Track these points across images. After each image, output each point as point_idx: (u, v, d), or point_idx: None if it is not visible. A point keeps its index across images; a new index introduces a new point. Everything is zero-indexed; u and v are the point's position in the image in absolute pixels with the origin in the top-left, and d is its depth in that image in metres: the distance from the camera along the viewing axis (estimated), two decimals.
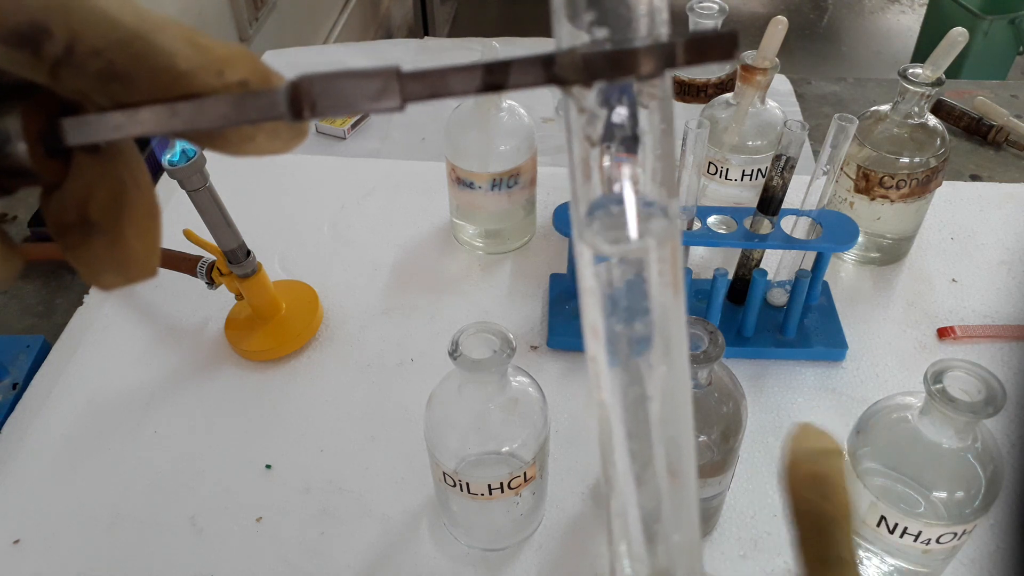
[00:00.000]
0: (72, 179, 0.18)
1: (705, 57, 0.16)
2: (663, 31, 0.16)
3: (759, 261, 0.62)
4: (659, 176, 0.17)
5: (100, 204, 0.18)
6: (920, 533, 0.43)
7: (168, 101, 0.17)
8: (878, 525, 0.44)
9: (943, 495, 0.42)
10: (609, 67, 0.16)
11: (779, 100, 0.83)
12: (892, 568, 0.47)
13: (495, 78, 0.16)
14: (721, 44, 0.16)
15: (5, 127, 0.17)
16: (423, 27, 2.40)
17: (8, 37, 0.16)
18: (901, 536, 0.44)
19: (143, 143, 0.83)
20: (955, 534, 0.43)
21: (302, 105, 0.17)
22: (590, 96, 0.17)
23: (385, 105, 0.17)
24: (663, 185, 0.18)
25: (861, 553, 0.47)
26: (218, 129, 0.18)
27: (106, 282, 0.19)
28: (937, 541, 0.43)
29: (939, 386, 0.40)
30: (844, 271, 0.71)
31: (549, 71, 0.16)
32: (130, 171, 0.19)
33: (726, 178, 0.70)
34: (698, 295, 0.65)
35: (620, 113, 0.17)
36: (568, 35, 0.16)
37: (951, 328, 0.64)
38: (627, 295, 0.19)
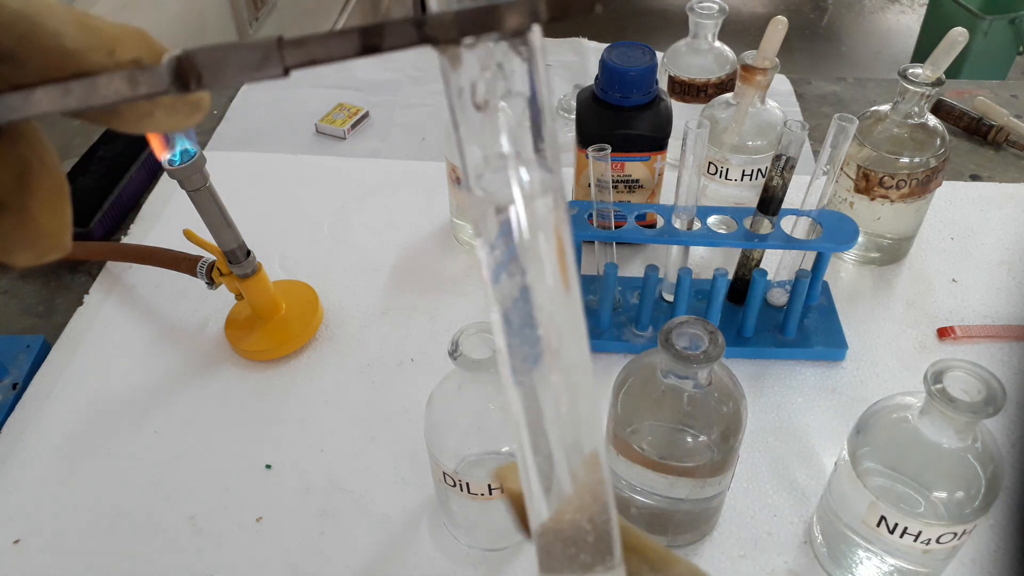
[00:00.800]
0: None
1: (567, 10, 0.17)
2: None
3: (759, 261, 0.62)
4: (533, 130, 0.18)
5: (5, 183, 0.19)
6: (920, 533, 0.43)
7: (61, 80, 0.17)
8: (878, 525, 0.44)
9: (943, 495, 0.42)
10: (476, 24, 0.16)
11: (779, 100, 0.83)
12: (892, 568, 0.47)
13: (371, 40, 0.17)
14: None
15: None
16: None
17: None
18: (901, 536, 0.44)
19: (142, 143, 0.83)
20: (955, 534, 0.43)
21: (188, 77, 0.17)
22: (465, 57, 0.17)
23: (268, 73, 0.17)
24: (537, 138, 0.18)
25: (861, 553, 0.47)
26: (113, 106, 0.18)
27: (19, 259, 0.20)
28: (937, 541, 0.43)
29: (939, 386, 0.40)
30: (844, 271, 0.71)
31: (421, 31, 0.17)
32: (34, 150, 0.19)
33: (726, 178, 0.70)
34: (698, 295, 0.65)
35: (492, 73, 0.18)
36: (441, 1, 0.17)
37: (951, 328, 0.64)
38: (518, 312, 0.20)
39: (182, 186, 0.54)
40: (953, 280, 0.69)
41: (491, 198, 0.19)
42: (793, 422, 0.59)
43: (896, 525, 0.43)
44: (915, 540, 0.43)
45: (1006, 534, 0.51)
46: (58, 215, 0.21)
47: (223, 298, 0.67)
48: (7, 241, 0.19)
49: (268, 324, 0.65)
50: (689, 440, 0.46)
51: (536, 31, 0.18)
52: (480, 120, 0.18)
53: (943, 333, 0.65)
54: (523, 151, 0.19)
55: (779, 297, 0.65)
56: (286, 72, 0.17)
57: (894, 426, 0.44)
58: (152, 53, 0.19)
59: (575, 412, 0.22)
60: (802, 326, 0.63)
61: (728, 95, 0.70)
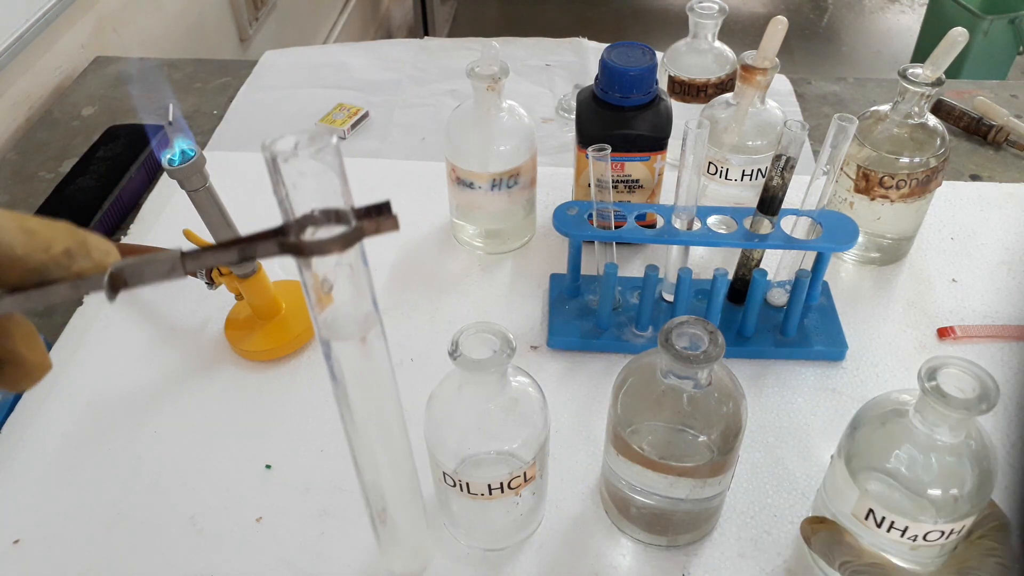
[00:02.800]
0: None
1: (378, 229, 0.26)
2: (352, 224, 0.26)
3: (759, 261, 0.62)
4: (359, 298, 0.30)
5: (4, 351, 0.27)
6: (907, 529, 0.43)
7: (23, 290, 0.26)
8: (866, 518, 0.44)
9: (935, 492, 0.42)
10: (316, 251, 0.26)
11: (779, 100, 0.83)
12: None
13: (247, 253, 0.25)
14: (386, 216, 0.26)
15: None
16: (423, 27, 2.40)
17: None
18: (888, 531, 0.44)
19: (142, 143, 0.83)
20: (943, 532, 0.43)
21: (119, 286, 0.25)
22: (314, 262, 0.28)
23: (174, 276, 0.25)
24: (362, 299, 0.30)
25: None
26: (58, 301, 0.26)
27: (23, 388, 0.28)
28: (924, 538, 0.43)
29: (933, 383, 0.40)
30: (844, 271, 0.71)
31: (282, 250, 0.25)
32: (12, 322, 0.27)
33: (726, 178, 0.70)
34: (698, 295, 0.65)
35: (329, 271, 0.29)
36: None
37: (951, 328, 0.64)
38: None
39: (182, 186, 0.54)
40: (953, 280, 0.69)
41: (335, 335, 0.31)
42: (793, 422, 0.59)
43: (883, 519, 0.44)
44: (902, 535, 0.43)
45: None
46: (37, 350, 0.28)
47: (223, 298, 0.67)
48: (13, 381, 0.28)
49: (268, 324, 0.64)
50: (689, 440, 0.46)
51: (357, 247, 0.27)
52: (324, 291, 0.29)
53: (943, 333, 0.65)
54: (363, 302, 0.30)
55: (779, 297, 0.65)
56: (186, 275, 0.26)
57: (889, 422, 0.44)
58: (77, 242, 0.26)
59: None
60: (802, 326, 0.63)
61: (728, 95, 0.70)
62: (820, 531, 0.47)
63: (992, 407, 0.39)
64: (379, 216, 0.26)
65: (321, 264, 0.28)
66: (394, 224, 0.26)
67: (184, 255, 0.25)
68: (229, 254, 0.25)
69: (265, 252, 0.25)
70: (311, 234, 0.25)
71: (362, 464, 0.37)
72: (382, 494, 0.38)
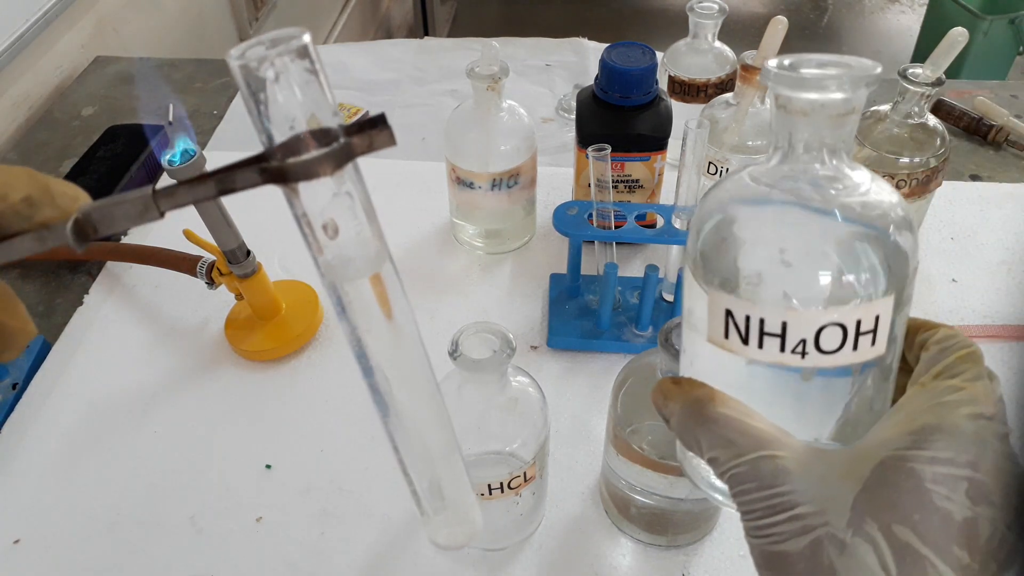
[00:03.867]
0: None
1: (371, 146, 0.23)
2: (340, 140, 0.22)
3: None
4: (367, 225, 0.26)
5: None
6: (786, 328, 0.33)
7: None
8: (727, 336, 0.32)
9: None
10: (302, 175, 0.22)
11: None
12: None
13: (225, 185, 0.22)
14: (380, 129, 0.22)
15: None
16: (423, 27, 2.40)
17: None
18: (761, 342, 0.39)
19: (142, 143, 0.83)
20: (843, 327, 0.38)
21: (87, 233, 0.23)
22: (301, 190, 0.23)
23: (148, 218, 0.23)
24: (371, 227, 0.26)
25: None
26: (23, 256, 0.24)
27: (8, 357, 0.27)
28: (817, 344, 0.39)
29: (789, 70, 0.29)
30: None
31: (264, 177, 0.22)
32: None
33: None
34: None
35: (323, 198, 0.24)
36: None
37: None
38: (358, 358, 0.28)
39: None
40: (953, 280, 0.69)
41: (335, 273, 0.26)
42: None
43: (748, 320, 0.37)
44: (783, 347, 0.39)
45: None
46: (18, 315, 0.26)
47: (223, 298, 0.67)
48: None
49: (268, 324, 0.65)
50: None
51: (349, 166, 0.23)
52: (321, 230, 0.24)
53: None
54: (363, 232, 0.26)
55: None
56: (161, 215, 0.23)
57: (728, 202, 0.36)
58: (39, 187, 0.24)
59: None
60: None
61: (728, 95, 0.70)
62: (677, 396, 0.30)
63: (870, 81, 0.27)
64: (372, 130, 0.22)
65: (314, 196, 0.24)
66: (389, 138, 0.23)
67: (156, 192, 0.22)
68: (206, 187, 0.22)
69: (245, 182, 0.22)
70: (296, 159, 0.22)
71: (394, 418, 0.31)
72: (421, 447, 0.31)
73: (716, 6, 0.75)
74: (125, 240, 0.75)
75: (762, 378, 0.29)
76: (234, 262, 0.60)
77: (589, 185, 0.60)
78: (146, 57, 1.07)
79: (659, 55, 0.67)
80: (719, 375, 0.30)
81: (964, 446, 0.25)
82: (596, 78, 0.65)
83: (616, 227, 0.61)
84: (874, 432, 0.28)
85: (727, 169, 0.69)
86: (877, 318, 0.27)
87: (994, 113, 0.85)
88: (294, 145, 0.22)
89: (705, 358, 0.31)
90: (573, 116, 0.69)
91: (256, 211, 0.69)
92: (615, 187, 0.67)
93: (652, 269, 0.60)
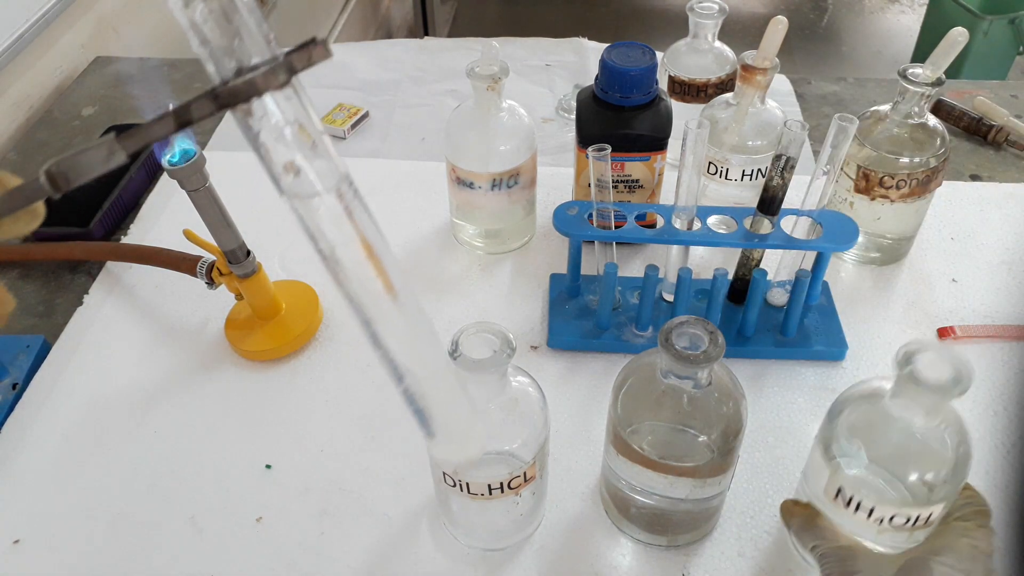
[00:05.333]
0: None
1: (311, 59, 0.24)
2: (279, 54, 0.24)
3: (759, 261, 0.62)
4: (313, 142, 0.26)
5: None
6: (873, 510, 0.44)
7: None
8: (836, 498, 0.45)
9: (908, 476, 0.43)
10: (248, 92, 0.23)
11: (779, 100, 0.83)
12: None
13: (183, 118, 0.23)
14: (312, 47, 0.24)
15: None
16: (423, 27, 2.40)
17: None
18: (856, 511, 0.44)
19: None
20: (908, 518, 0.43)
21: (58, 182, 0.23)
22: (254, 107, 0.24)
23: (117, 161, 0.23)
24: (315, 148, 0.26)
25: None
26: None
27: None
28: (890, 521, 0.44)
29: (909, 367, 0.41)
30: (844, 271, 0.71)
31: (217, 102, 0.23)
32: None
33: (726, 178, 0.70)
34: (698, 295, 0.65)
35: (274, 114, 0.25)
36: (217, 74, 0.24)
37: (951, 328, 0.64)
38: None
39: (182, 186, 0.54)
40: (953, 280, 0.69)
41: (296, 194, 0.26)
42: (793, 422, 0.59)
43: (852, 499, 0.44)
44: (868, 517, 0.44)
45: (1006, 534, 0.51)
46: None
47: (223, 298, 0.67)
48: None
49: (268, 324, 0.64)
50: (689, 440, 0.46)
51: (293, 80, 0.24)
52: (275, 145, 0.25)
53: (943, 333, 0.65)
54: (325, 159, 0.26)
55: (779, 297, 0.65)
56: (131, 157, 0.24)
57: (866, 407, 0.45)
58: None
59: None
60: (802, 326, 0.63)
61: (728, 95, 0.70)
62: (797, 513, 0.48)
63: (965, 391, 0.39)
64: (309, 46, 0.24)
65: (267, 126, 0.25)
66: (324, 52, 0.24)
67: (119, 135, 0.23)
68: (165, 124, 0.23)
69: (200, 111, 0.23)
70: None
71: (378, 332, 0.32)
72: (404, 361, 0.32)
73: (716, 6, 0.75)
74: (125, 240, 0.75)
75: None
76: (234, 262, 0.60)
77: (589, 185, 0.60)
78: (146, 57, 1.07)
79: (659, 55, 0.67)
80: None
81: (963, 561, 0.41)
82: (596, 78, 0.65)
83: (616, 227, 0.61)
84: (915, 547, 0.44)
85: (727, 169, 0.69)
86: (931, 514, 0.43)
87: (994, 113, 0.85)
88: (242, 74, 0.23)
89: (818, 495, 0.47)
90: (573, 116, 0.69)
91: (256, 211, 0.69)
92: (615, 187, 0.67)
93: (652, 269, 0.60)
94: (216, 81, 0.24)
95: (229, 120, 0.91)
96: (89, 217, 0.75)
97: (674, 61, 0.78)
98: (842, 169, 0.66)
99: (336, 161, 0.26)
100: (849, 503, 0.44)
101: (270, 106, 0.24)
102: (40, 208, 0.26)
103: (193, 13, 0.23)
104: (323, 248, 0.29)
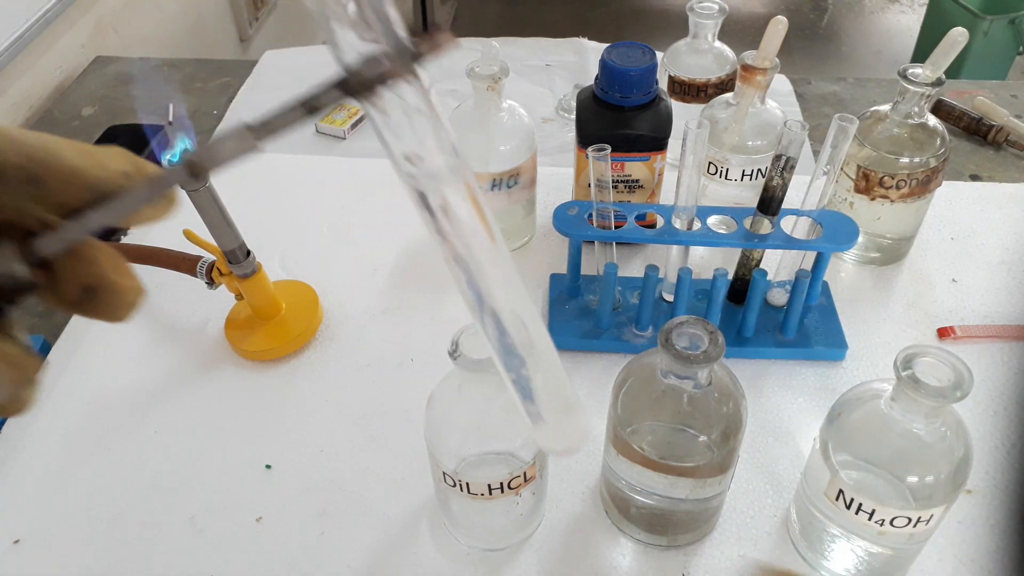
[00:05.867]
0: (66, 269, 0.25)
1: (438, 47, 0.23)
2: (405, 40, 0.23)
3: (759, 261, 0.62)
4: (435, 128, 0.25)
5: (95, 277, 0.25)
6: (875, 512, 0.44)
7: (100, 204, 0.24)
8: (837, 499, 0.45)
9: (908, 479, 0.43)
10: (375, 80, 0.23)
11: (779, 100, 0.83)
12: (861, 554, 0.47)
13: (312, 105, 0.24)
14: (440, 33, 0.23)
15: (6, 259, 0.24)
16: (423, 27, 2.40)
17: None
18: (857, 513, 0.44)
19: (142, 143, 0.83)
20: (910, 519, 0.43)
21: (198, 170, 0.25)
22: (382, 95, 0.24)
23: (248, 150, 0.24)
24: (437, 134, 0.26)
25: (826, 532, 0.48)
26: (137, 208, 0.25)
27: (123, 316, 0.27)
28: (892, 523, 0.44)
29: (909, 371, 0.41)
30: (844, 271, 0.71)
31: (346, 88, 0.23)
32: (92, 247, 0.26)
33: (726, 178, 0.70)
34: (698, 295, 0.65)
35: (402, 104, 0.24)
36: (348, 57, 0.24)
37: (951, 328, 0.64)
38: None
39: (182, 186, 0.54)
40: (953, 280, 0.69)
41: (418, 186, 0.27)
42: (793, 422, 0.59)
43: (852, 500, 0.44)
44: (870, 518, 0.44)
45: (1006, 534, 0.51)
46: (128, 277, 0.27)
47: (223, 298, 0.67)
48: (110, 309, 0.26)
49: (268, 324, 0.64)
50: (689, 440, 0.46)
51: (420, 71, 0.24)
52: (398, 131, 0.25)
53: (943, 333, 0.65)
54: (429, 148, 0.26)
55: (779, 297, 0.65)
56: (260, 147, 0.24)
57: (867, 409, 0.45)
58: (133, 164, 0.26)
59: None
60: (802, 326, 0.63)
61: (728, 95, 0.70)
62: None
63: (965, 395, 0.39)
64: (434, 33, 0.23)
65: (394, 106, 0.25)
66: (450, 38, 0.23)
67: (250, 127, 0.24)
68: (295, 113, 0.24)
69: (329, 98, 0.24)
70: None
71: (494, 310, 0.32)
72: (522, 338, 0.32)
73: (716, 6, 0.75)
74: (125, 240, 0.75)
75: None
76: (234, 262, 0.60)
77: (589, 185, 0.60)
78: (146, 57, 1.07)
79: (659, 55, 0.67)
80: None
81: None
82: (596, 78, 0.65)
83: (616, 227, 0.61)
84: None
85: (727, 169, 0.69)
86: (931, 516, 0.43)
87: (994, 113, 0.85)
88: (369, 60, 0.23)
89: (819, 497, 0.47)
90: (573, 116, 0.69)
91: (256, 211, 0.69)
92: (615, 187, 0.67)
93: (652, 269, 0.60)
94: (341, 67, 0.24)
95: (229, 120, 0.91)
96: None
97: (674, 61, 0.78)
98: (842, 169, 0.66)
99: (452, 138, 0.26)
100: (850, 505, 0.44)
101: (395, 94, 0.24)
102: (175, 195, 0.27)
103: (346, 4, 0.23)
104: (432, 203, 0.29)
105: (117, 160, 0.25)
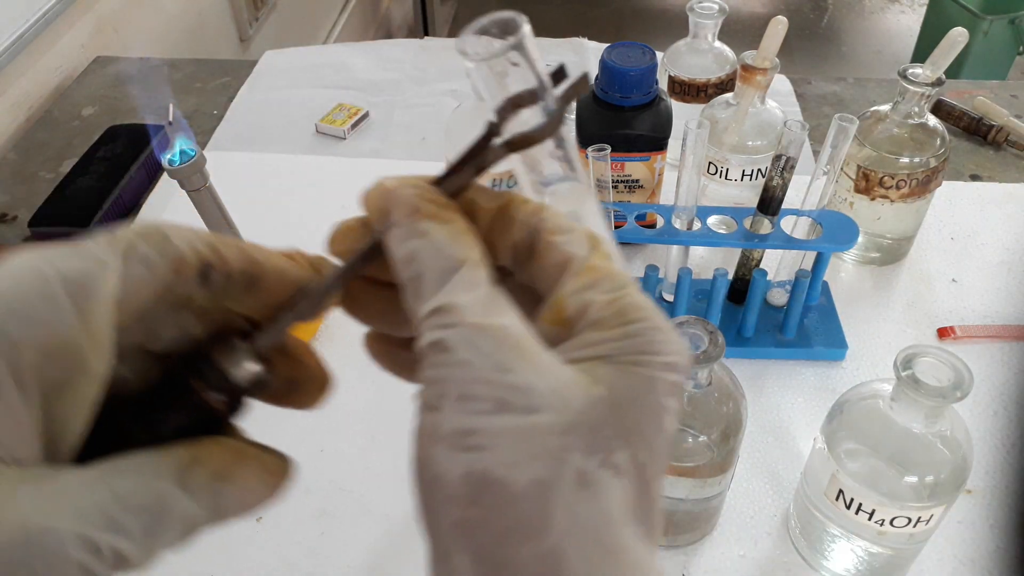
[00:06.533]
0: (274, 364, 0.27)
1: (577, 95, 0.26)
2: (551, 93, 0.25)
3: (759, 261, 0.62)
4: (575, 169, 0.29)
5: (299, 368, 0.29)
6: (874, 512, 0.44)
7: (300, 299, 0.26)
8: (837, 499, 0.45)
9: (908, 479, 0.43)
10: (540, 137, 0.26)
11: (779, 100, 0.83)
12: (860, 553, 0.47)
13: (481, 165, 0.26)
14: (578, 83, 0.25)
15: (241, 361, 0.25)
16: (423, 27, 2.40)
17: (193, 277, 0.23)
18: (856, 512, 0.45)
19: (142, 143, 0.83)
20: (910, 519, 0.43)
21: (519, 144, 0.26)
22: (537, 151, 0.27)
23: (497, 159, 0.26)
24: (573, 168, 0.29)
25: (825, 532, 0.48)
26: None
27: (319, 404, 0.30)
28: (892, 523, 0.44)
29: (909, 371, 0.41)
30: (844, 271, 0.71)
31: (510, 148, 0.26)
32: (291, 340, 0.28)
33: (726, 178, 0.70)
34: (698, 295, 0.65)
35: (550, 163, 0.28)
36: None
37: (951, 328, 0.64)
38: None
39: (182, 186, 0.54)
40: (953, 280, 0.69)
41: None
42: (793, 422, 0.59)
43: (852, 500, 0.44)
44: (870, 518, 0.44)
45: (1006, 534, 0.51)
46: (323, 366, 0.30)
47: None
48: (307, 396, 0.30)
49: None
50: (689, 440, 0.46)
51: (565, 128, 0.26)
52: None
53: (943, 333, 0.65)
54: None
55: (779, 297, 0.65)
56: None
57: (866, 410, 0.45)
58: (310, 258, 0.28)
59: None
60: (802, 326, 0.63)
61: (728, 95, 0.70)
62: None
63: (965, 395, 0.40)
64: (570, 82, 0.26)
65: (540, 159, 0.28)
66: (584, 85, 0.25)
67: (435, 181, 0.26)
68: (466, 173, 0.26)
69: (496, 156, 0.26)
70: (518, 122, 0.25)
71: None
72: None
73: (716, 6, 0.75)
74: None
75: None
76: None
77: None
78: (146, 57, 1.07)
79: (659, 55, 0.67)
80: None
81: None
82: (596, 78, 0.65)
83: (616, 227, 0.61)
84: None
85: (727, 169, 0.69)
86: (931, 516, 0.44)
87: (994, 113, 0.85)
88: (508, 110, 0.25)
89: (818, 496, 0.47)
90: (573, 116, 0.69)
91: (256, 211, 0.69)
92: (615, 187, 0.67)
93: (652, 269, 0.60)
94: (492, 118, 0.26)
95: (229, 120, 0.91)
96: (89, 217, 0.75)
97: (674, 61, 0.78)
98: (842, 169, 0.66)
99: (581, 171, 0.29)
100: (850, 504, 0.45)
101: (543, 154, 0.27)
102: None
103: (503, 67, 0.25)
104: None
105: (301, 257, 0.27)
